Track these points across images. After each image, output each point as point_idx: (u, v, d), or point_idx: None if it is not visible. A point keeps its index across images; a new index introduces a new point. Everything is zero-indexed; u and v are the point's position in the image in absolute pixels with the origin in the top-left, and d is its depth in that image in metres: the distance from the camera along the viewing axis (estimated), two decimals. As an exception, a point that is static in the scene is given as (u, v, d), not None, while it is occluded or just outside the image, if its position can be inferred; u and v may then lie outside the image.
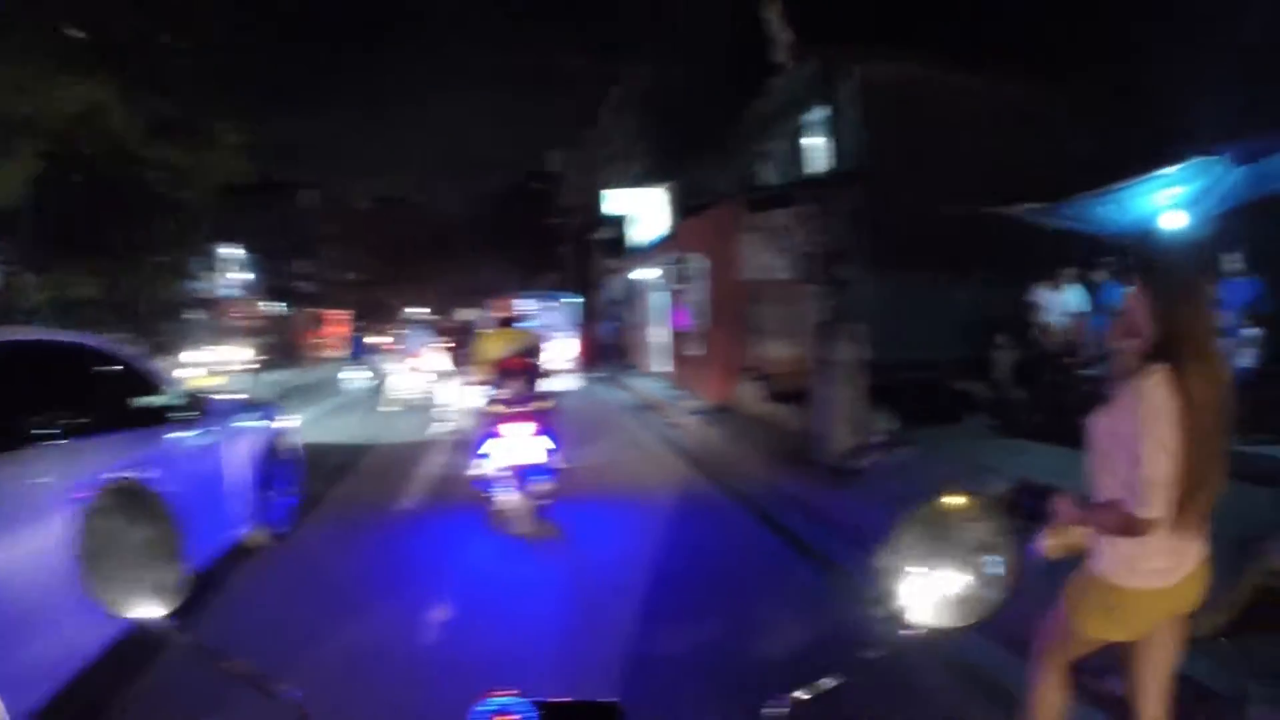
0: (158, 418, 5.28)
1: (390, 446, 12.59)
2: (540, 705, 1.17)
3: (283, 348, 23.85)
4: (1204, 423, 2.43)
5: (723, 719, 3.71)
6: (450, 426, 13.06)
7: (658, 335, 22.11)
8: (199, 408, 5.77)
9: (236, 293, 39.14)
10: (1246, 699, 3.75)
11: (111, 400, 5.02)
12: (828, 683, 1.26)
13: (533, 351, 8.07)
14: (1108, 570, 2.63)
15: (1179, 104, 11.89)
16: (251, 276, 40.95)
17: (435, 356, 15.67)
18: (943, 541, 1.34)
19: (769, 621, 5.28)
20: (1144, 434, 2.41)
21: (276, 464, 7.18)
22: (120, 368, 5.26)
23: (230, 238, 38.63)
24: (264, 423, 7.21)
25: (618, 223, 26.46)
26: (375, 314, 40.31)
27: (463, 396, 12.34)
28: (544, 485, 7.18)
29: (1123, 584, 2.61)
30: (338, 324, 34.44)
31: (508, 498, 7.01)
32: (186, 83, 21.99)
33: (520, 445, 7.04)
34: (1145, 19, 13.32)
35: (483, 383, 7.83)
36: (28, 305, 20.29)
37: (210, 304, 34.16)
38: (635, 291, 25.03)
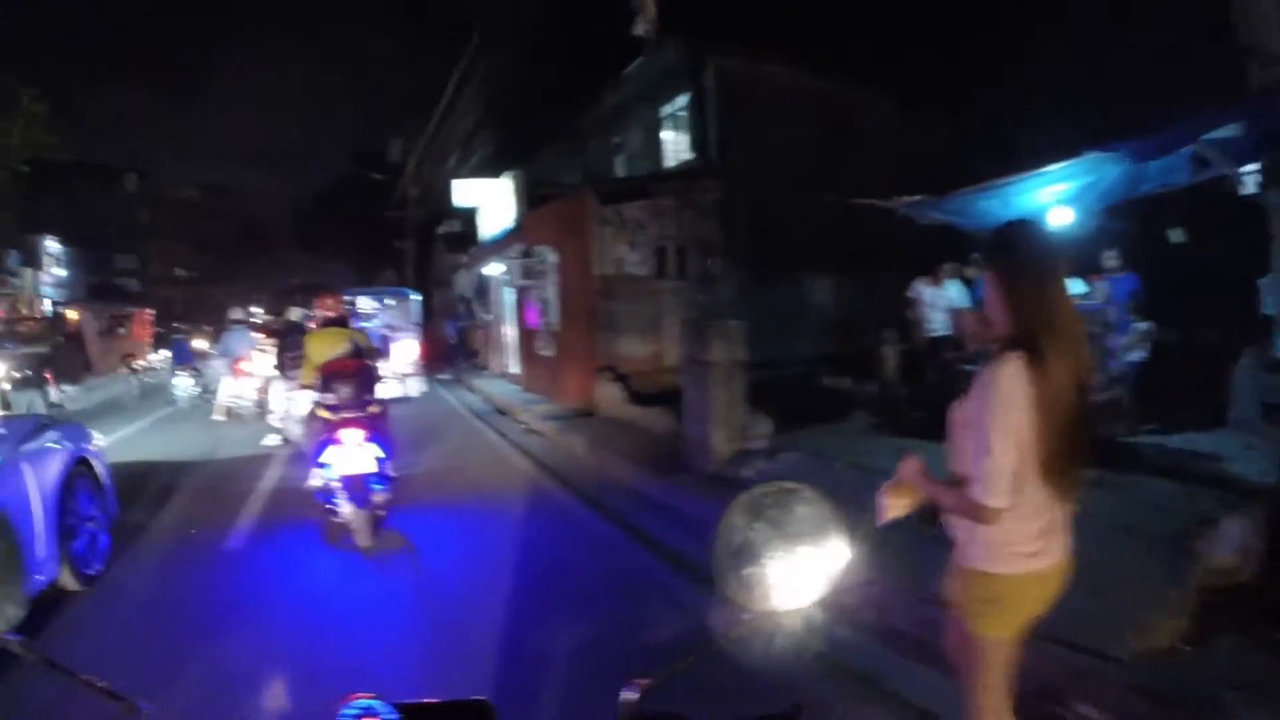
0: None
1: (219, 462, 11.55)
2: (402, 707, 1.15)
3: (70, 356, 21.45)
4: (1063, 408, 2.37)
5: (582, 708, 3.74)
6: (278, 438, 12.13)
7: (508, 334, 21.14)
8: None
9: (54, 292, 35.99)
10: (1224, 711, 3.53)
11: None
12: (677, 666, 1.26)
13: (363, 352, 7.77)
14: (978, 559, 2.53)
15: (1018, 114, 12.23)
16: (64, 274, 37.68)
17: (261, 360, 14.39)
18: (770, 526, 1.41)
19: (632, 626, 5.12)
20: (992, 421, 2.34)
21: (81, 494, 6.25)
22: None
23: (46, 228, 36.54)
24: (58, 446, 6.13)
25: (466, 215, 25.17)
26: (203, 313, 38.16)
27: (292, 403, 11.47)
28: (380, 495, 6.70)
29: (996, 570, 2.50)
30: (141, 325, 29.50)
31: (345, 509, 6.50)
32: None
33: (352, 453, 6.57)
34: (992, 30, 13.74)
35: (310, 386, 7.55)
36: None
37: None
38: (484, 288, 23.88)
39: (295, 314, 13.82)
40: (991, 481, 2.32)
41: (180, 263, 52.93)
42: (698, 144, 16.35)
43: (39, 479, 5.52)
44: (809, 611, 1.32)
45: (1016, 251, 2.50)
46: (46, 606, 5.41)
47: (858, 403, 11.13)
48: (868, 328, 13.02)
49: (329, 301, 8.39)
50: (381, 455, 6.71)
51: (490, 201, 21.04)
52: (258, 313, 38.19)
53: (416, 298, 19.96)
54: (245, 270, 54.27)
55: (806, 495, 1.45)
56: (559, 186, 17.35)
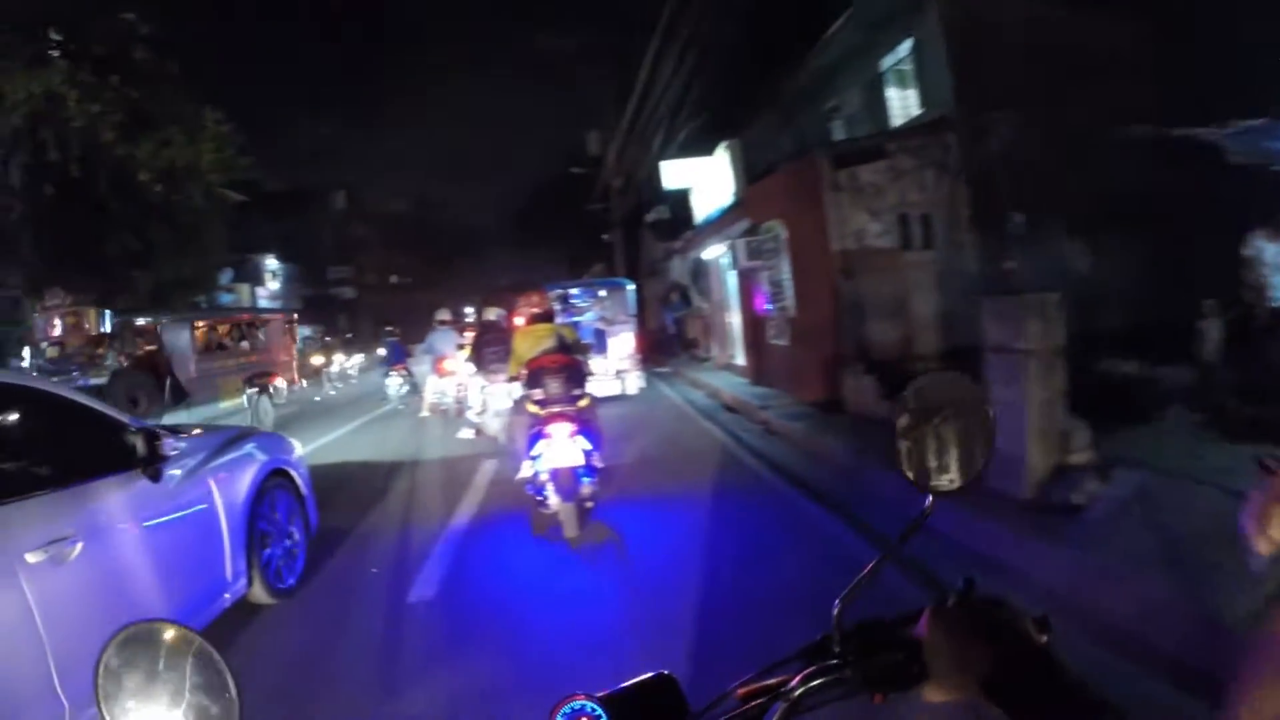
0: (101, 467, 4.33)
1: (422, 460, 11.89)
2: (603, 700, 1.13)
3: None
4: None
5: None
6: (472, 431, 12.98)
7: (731, 322, 19.56)
8: (155, 449, 4.64)
9: (270, 304, 37.38)
10: None
11: (35, 451, 4.13)
12: (871, 569, 1.19)
13: (569, 348, 7.78)
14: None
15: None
16: (277, 286, 39.40)
17: (461, 359, 14.73)
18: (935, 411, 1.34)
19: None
20: None
21: (279, 506, 6.25)
22: (51, 408, 4.36)
23: (264, 248, 38.73)
24: (252, 457, 6.03)
25: (676, 199, 23.87)
26: (415, 317, 37.92)
27: (489, 399, 12.24)
28: (588, 488, 6.94)
29: None
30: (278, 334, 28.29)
31: (553, 501, 6.73)
32: (156, 74, 20.96)
33: (560, 447, 6.73)
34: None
35: (516, 381, 7.76)
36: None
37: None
38: (702, 273, 22.40)
39: (492, 314, 13.45)
40: None
41: (393, 271, 54.14)
42: (930, 96, 14.19)
43: (229, 492, 5.46)
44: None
45: None
46: (243, 617, 5.48)
47: (1164, 393, 8.79)
48: (1158, 297, 10.49)
49: (534, 298, 8.32)
50: (589, 448, 6.85)
51: (703, 181, 19.53)
52: (469, 314, 38.74)
53: (632, 288, 18.63)
54: (457, 274, 54.94)
55: (959, 380, 1.36)
56: (781, 154, 15.67)
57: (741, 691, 1.15)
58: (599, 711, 1.11)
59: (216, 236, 25.12)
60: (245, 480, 5.74)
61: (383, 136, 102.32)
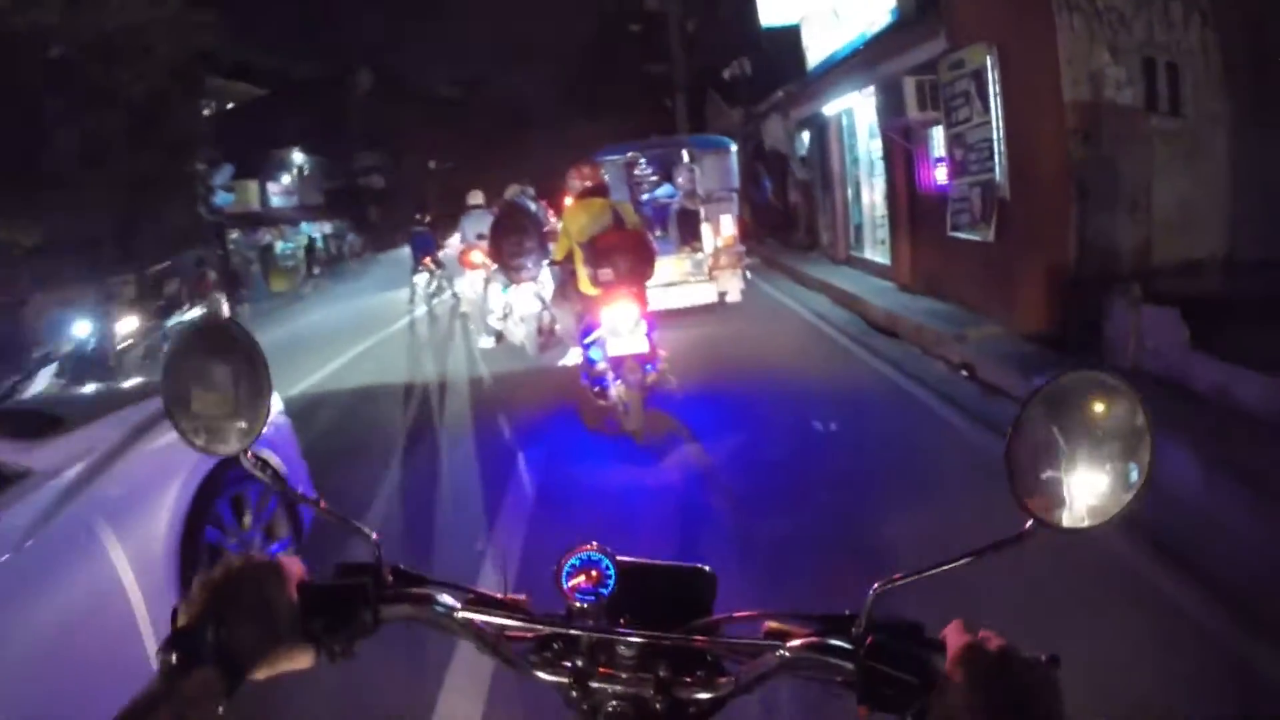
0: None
1: (455, 377, 10.11)
2: (621, 564, 1.13)
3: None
4: None
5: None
6: (492, 341, 11.25)
7: (869, 203, 14.66)
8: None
9: (283, 200, 33.50)
10: None
11: None
12: (932, 570, 1.01)
13: (623, 224, 6.93)
14: None
15: None
16: (289, 180, 34.83)
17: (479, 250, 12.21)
18: (1077, 427, 1.06)
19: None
20: None
21: (244, 500, 4.15)
22: None
23: (291, 141, 35.68)
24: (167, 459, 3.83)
25: (766, 50, 18.76)
26: (458, 203, 33.77)
27: (514, 302, 10.45)
28: (651, 376, 6.60)
29: None
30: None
31: (617, 391, 6.40)
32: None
33: (625, 332, 6.35)
34: None
35: (560, 265, 7.59)
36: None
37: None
38: (817, 137, 17.18)
39: (512, 191, 11.29)
40: None
41: (436, 155, 49.84)
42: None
43: (139, 524, 3.35)
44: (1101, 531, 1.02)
45: None
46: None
47: None
48: None
49: (585, 170, 7.45)
50: (646, 329, 6.48)
51: (822, 7, 14.36)
52: (529, 192, 34.37)
53: (734, 148, 13.24)
54: (505, 154, 50.75)
55: (1123, 391, 1.03)
56: None
57: (768, 626, 1.07)
58: (610, 571, 1.11)
59: (189, 123, 20.81)
60: (171, 490, 3.54)
61: (417, 9, 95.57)
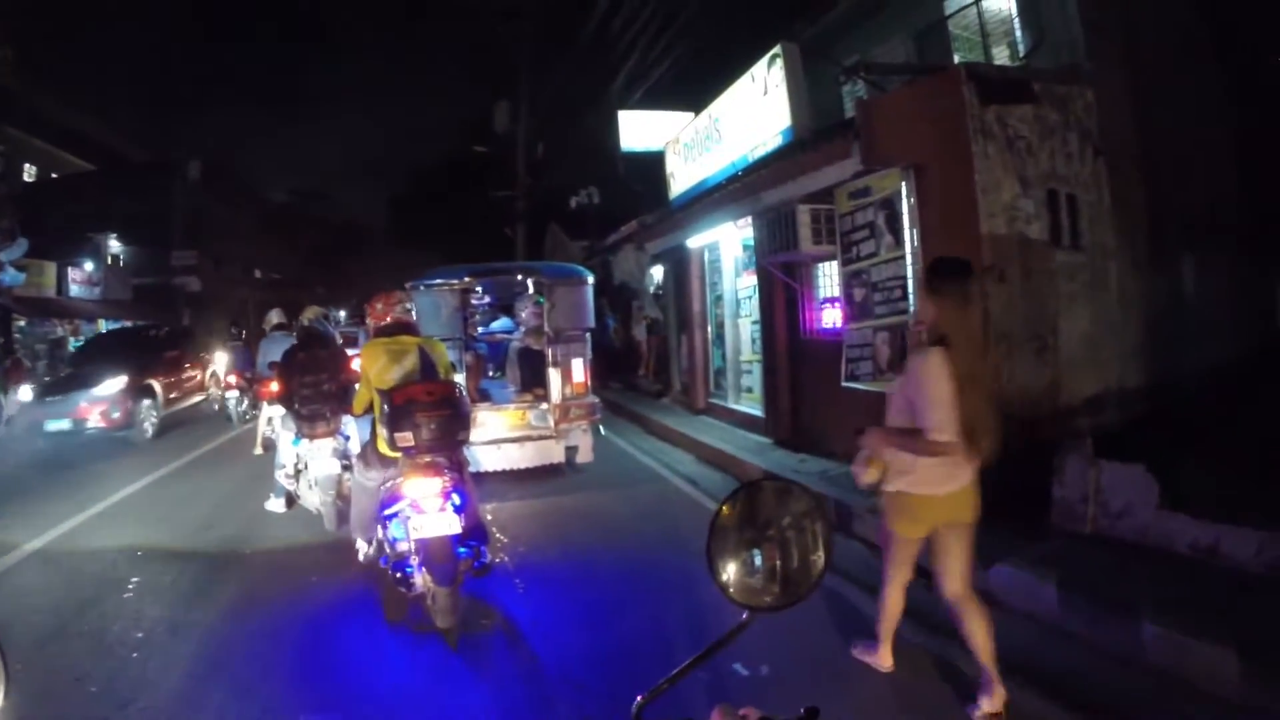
0: None
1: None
2: None
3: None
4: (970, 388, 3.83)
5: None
6: (281, 502, 8.83)
7: (730, 347, 13.27)
8: None
9: (85, 291, 29.80)
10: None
11: None
12: (684, 668, 1.39)
13: (434, 370, 5.92)
14: (903, 487, 4.13)
15: None
16: (94, 268, 31.04)
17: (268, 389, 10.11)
18: (765, 523, 1.47)
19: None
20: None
21: None
22: None
23: (110, 226, 33.79)
24: None
25: (621, 177, 17.65)
26: (288, 316, 31.52)
27: (309, 458, 8.03)
28: (465, 562, 5.30)
29: (912, 492, 4.10)
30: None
31: (422, 581, 5.26)
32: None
33: (432, 510, 5.13)
34: None
35: (366, 415, 6.21)
36: None
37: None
38: (676, 273, 15.75)
39: (311, 314, 8.53)
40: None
41: (261, 264, 47.26)
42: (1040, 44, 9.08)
43: None
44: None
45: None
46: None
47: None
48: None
49: (389, 298, 6.25)
50: (458, 503, 5.24)
51: (690, 137, 13.22)
52: (339, 318, 32.43)
53: (589, 281, 10.86)
54: (334, 272, 50.59)
55: (797, 492, 1.49)
56: (886, 68, 9.45)
57: None
58: None
59: None
60: None
61: (263, 117, 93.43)
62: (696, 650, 3.39)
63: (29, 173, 35.00)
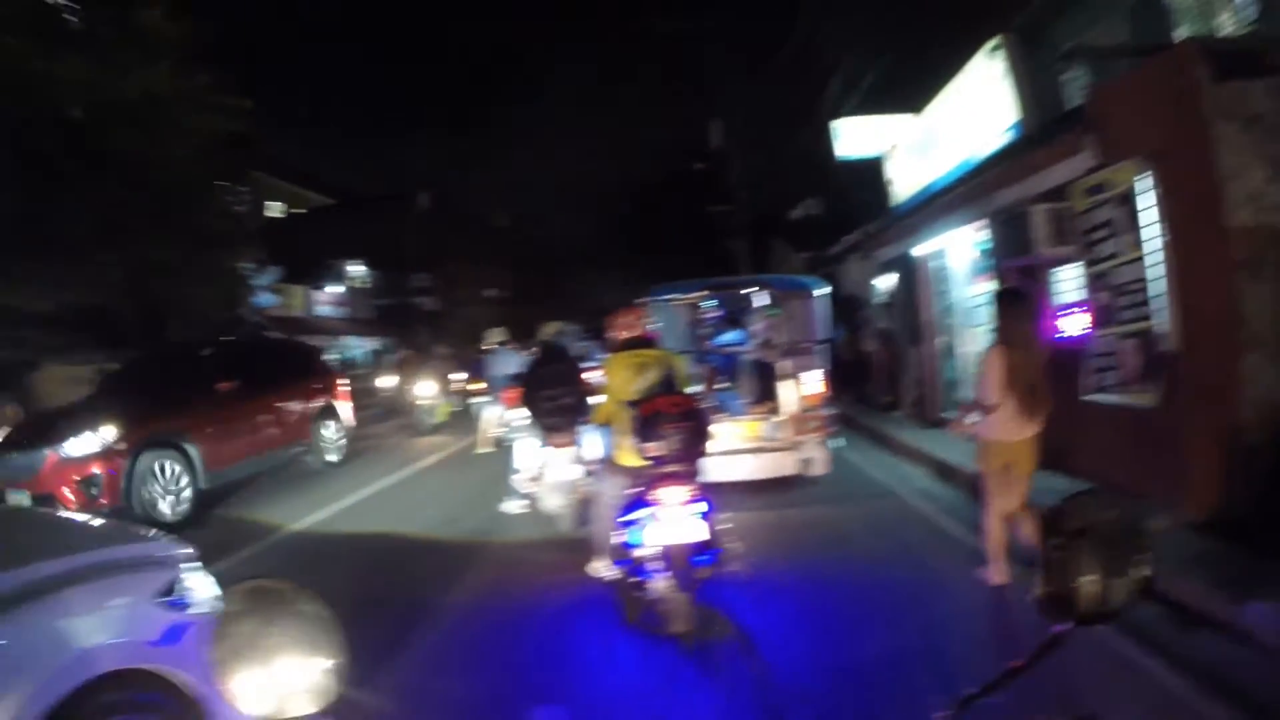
0: None
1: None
2: None
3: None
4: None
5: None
6: (520, 503, 9.44)
7: (961, 359, 12.82)
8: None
9: (332, 311, 33.96)
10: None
11: None
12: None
13: (676, 383, 6.18)
14: (983, 434, 6.07)
15: None
16: (340, 290, 35.37)
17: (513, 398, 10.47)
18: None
19: None
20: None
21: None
22: None
23: (352, 252, 36.69)
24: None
25: (839, 187, 17.22)
26: (516, 332, 33.27)
27: (548, 465, 8.56)
28: (705, 570, 5.33)
29: (991, 438, 6.01)
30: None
31: (660, 586, 5.25)
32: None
33: (675, 517, 5.26)
34: None
35: (605, 426, 6.58)
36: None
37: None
38: (905, 282, 15.37)
39: (551, 330, 9.14)
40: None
41: (487, 284, 49.83)
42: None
43: None
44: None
45: None
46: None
47: None
48: None
49: (629, 316, 6.70)
50: (705, 509, 5.36)
51: (910, 141, 12.93)
52: (571, 331, 33.40)
53: (822, 292, 11.06)
54: (557, 289, 51.38)
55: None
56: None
57: None
58: None
59: (222, 217, 19.46)
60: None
61: (480, 144, 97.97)
62: (927, 670, 3.79)
63: (279, 209, 39.13)
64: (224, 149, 18.11)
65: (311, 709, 1.34)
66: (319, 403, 14.09)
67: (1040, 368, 6.10)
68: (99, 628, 2.96)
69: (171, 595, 3.29)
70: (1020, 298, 6.37)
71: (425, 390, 18.49)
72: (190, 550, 3.61)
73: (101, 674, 2.85)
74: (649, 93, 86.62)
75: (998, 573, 5.96)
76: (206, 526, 10.27)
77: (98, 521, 4.50)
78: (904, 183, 13.70)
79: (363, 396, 19.94)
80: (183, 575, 3.40)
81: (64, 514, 7.81)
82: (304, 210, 41.58)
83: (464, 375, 18.14)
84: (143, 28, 16.32)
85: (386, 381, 23.55)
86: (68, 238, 15.40)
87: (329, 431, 14.20)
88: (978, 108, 10.61)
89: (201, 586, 3.47)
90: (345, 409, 14.85)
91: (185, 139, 16.96)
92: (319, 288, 33.42)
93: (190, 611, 3.29)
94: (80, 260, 15.78)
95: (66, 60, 14.98)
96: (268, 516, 10.38)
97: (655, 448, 5.49)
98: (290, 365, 14.35)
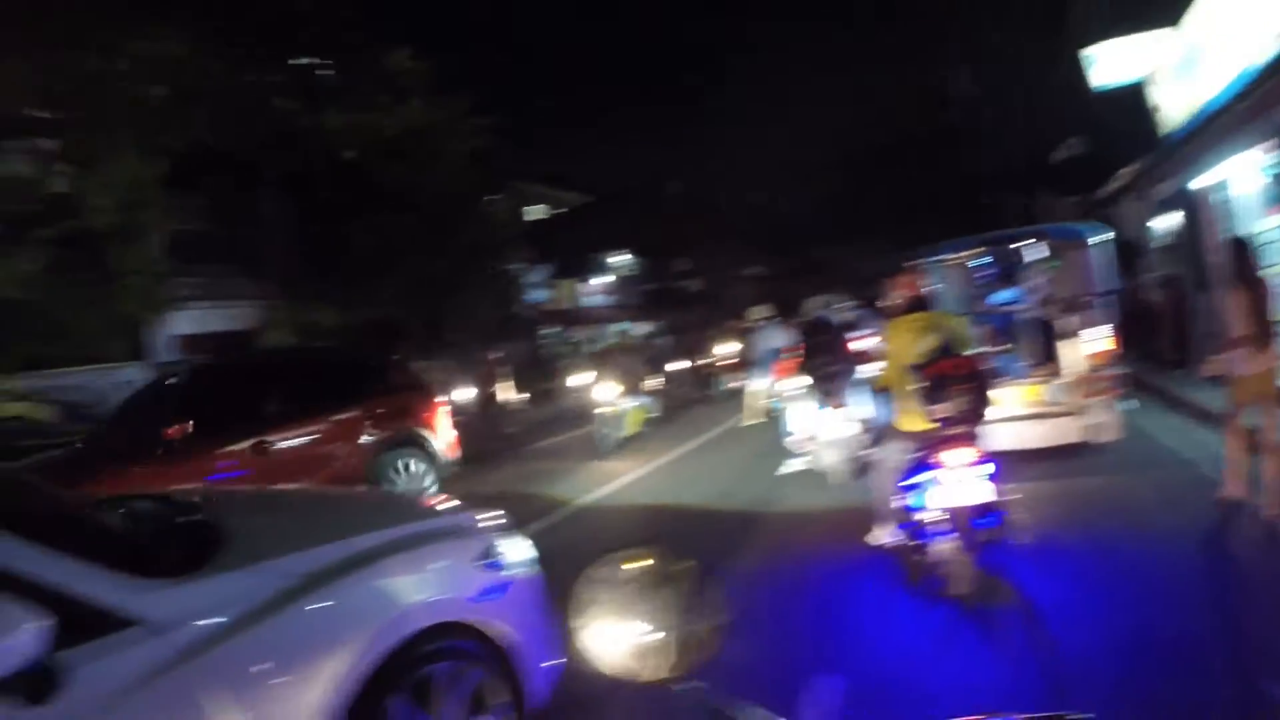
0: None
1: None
2: None
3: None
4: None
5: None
6: (798, 462, 10.21)
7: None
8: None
9: (602, 300, 37.19)
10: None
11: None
12: None
13: (953, 345, 5.86)
14: (1230, 369, 6.42)
15: None
16: (605, 280, 38.58)
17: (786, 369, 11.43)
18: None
19: None
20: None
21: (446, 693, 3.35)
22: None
23: (602, 245, 38.81)
24: (367, 610, 3.22)
25: (1121, 101, 15.46)
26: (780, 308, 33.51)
27: (820, 425, 9.38)
28: (987, 533, 5.35)
29: (1236, 372, 6.35)
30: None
31: (943, 548, 5.39)
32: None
33: (961, 479, 5.34)
34: None
35: (884, 391, 6.59)
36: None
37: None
38: (1187, 222, 13.65)
39: (814, 304, 11.18)
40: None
41: (751, 261, 50.24)
42: None
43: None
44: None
45: None
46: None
47: None
48: None
49: (902, 280, 6.69)
50: (991, 470, 5.37)
51: (1175, 60, 11.52)
52: (835, 304, 33.06)
53: (1102, 238, 10.00)
54: (818, 263, 49.84)
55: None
56: None
57: None
58: None
59: (484, 226, 21.61)
60: (328, 671, 2.93)
61: (717, 130, 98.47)
62: (1226, 659, 3.47)
63: (542, 210, 41.94)
64: (477, 165, 20.33)
65: (676, 671, 1.45)
66: (384, 432, 10.06)
67: (1264, 311, 6.46)
68: (422, 587, 3.48)
69: (489, 558, 3.81)
70: (1245, 244, 6.85)
71: (607, 393, 13.78)
72: (504, 519, 4.19)
73: (429, 626, 3.37)
74: (883, 50, 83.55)
75: (1233, 488, 6.65)
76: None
77: (422, 498, 6.31)
78: (1172, 108, 12.15)
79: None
80: (497, 541, 3.93)
81: (389, 492, 9.25)
82: (565, 210, 44.02)
83: (736, 348, 18.45)
84: (393, 72, 18.76)
85: (578, 380, 18.32)
86: (349, 265, 18.23)
87: (411, 469, 10.23)
88: (1246, 5, 9.27)
89: (517, 550, 4.04)
90: (440, 437, 10.76)
91: (443, 162, 19.26)
92: (585, 280, 36.45)
93: (506, 572, 3.84)
94: (363, 281, 18.23)
95: (329, 112, 17.66)
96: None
97: (942, 409, 5.59)
98: (331, 385, 10.20)
